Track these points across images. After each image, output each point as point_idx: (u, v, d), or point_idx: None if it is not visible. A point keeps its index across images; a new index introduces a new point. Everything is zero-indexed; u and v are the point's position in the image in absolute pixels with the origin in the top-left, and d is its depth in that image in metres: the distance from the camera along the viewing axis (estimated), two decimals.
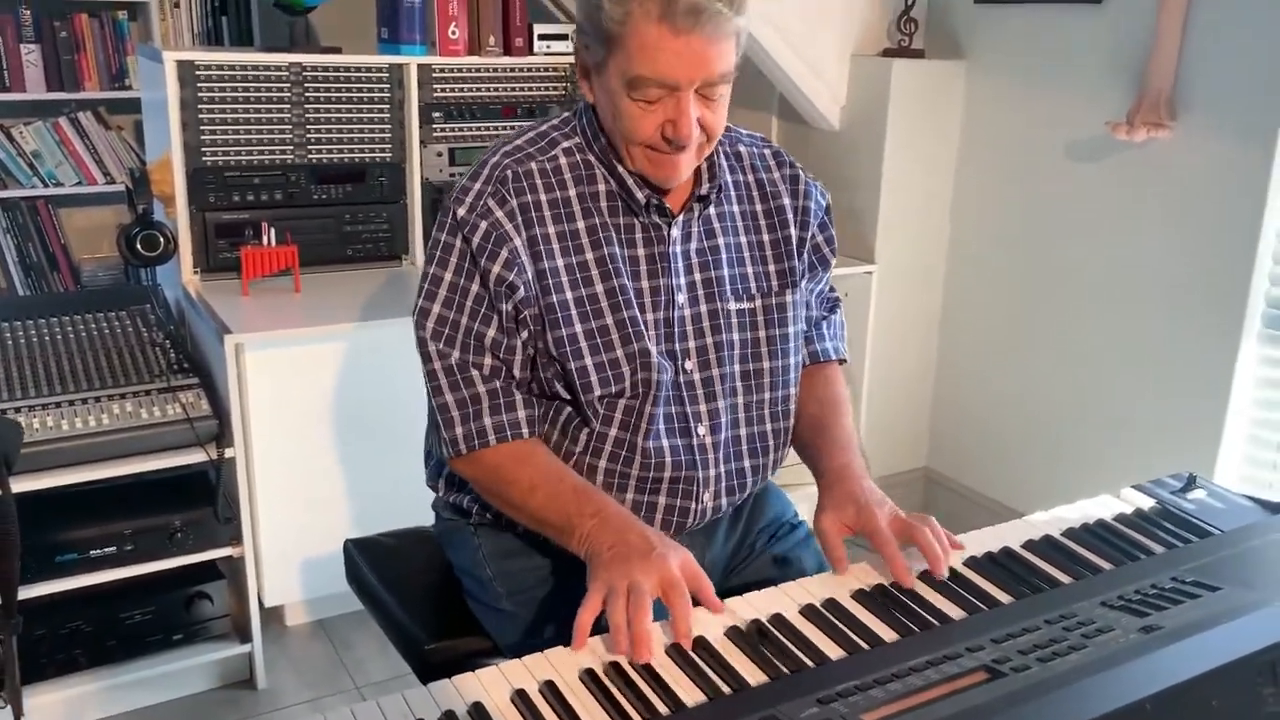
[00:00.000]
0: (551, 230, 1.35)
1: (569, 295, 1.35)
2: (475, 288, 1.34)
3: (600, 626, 1.10)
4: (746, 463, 1.46)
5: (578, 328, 1.34)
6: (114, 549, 2.16)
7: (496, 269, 1.32)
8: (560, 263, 1.35)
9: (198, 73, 2.46)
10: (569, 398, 1.37)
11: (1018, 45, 2.82)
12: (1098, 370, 2.74)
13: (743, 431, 1.46)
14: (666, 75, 1.24)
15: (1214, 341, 2.44)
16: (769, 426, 1.48)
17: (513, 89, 2.81)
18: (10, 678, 0.79)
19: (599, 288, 1.36)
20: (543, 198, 1.36)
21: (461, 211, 1.34)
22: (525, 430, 1.36)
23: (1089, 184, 2.69)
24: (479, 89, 2.77)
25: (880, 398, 3.12)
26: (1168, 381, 2.56)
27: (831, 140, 3.09)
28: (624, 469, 1.38)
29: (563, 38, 2.84)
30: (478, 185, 1.36)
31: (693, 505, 1.41)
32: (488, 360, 1.35)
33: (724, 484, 1.43)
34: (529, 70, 2.82)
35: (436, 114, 2.73)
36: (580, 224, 1.37)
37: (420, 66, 2.68)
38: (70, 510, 2.19)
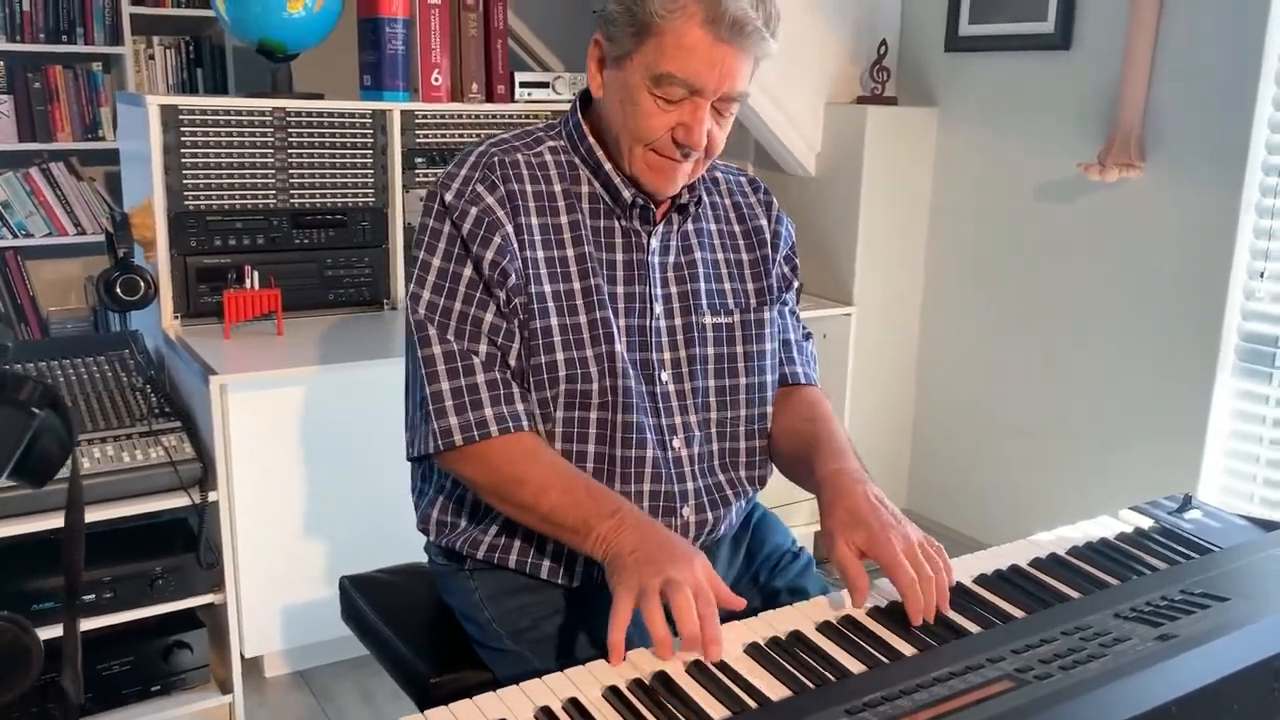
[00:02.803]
0: (535, 221, 1.36)
1: (547, 288, 1.35)
2: (468, 272, 1.33)
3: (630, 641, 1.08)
4: (721, 478, 1.45)
5: (553, 321, 1.34)
6: (93, 596, 2.11)
7: (490, 255, 1.32)
8: (541, 255, 1.36)
9: (181, 117, 2.46)
10: (536, 399, 1.35)
11: (988, 91, 2.90)
12: (1075, 409, 2.78)
13: (715, 447, 1.45)
14: (694, 78, 1.26)
15: (1189, 376, 2.49)
16: (742, 444, 1.48)
17: (495, 136, 2.83)
18: (71, 664, 0.77)
19: (576, 285, 1.37)
20: (528, 188, 1.37)
21: (449, 197, 1.34)
22: (525, 423, 1.32)
23: (1061, 225, 2.75)
24: (461, 135, 2.79)
25: (859, 439, 3.09)
26: (1146, 418, 2.60)
27: (807, 186, 3.14)
28: (606, 485, 1.37)
29: (543, 85, 2.88)
30: (464, 171, 1.36)
31: (674, 521, 1.40)
32: (484, 347, 1.32)
33: (704, 498, 1.42)
34: (510, 117, 2.85)
35: (419, 159, 2.75)
36: (563, 219, 1.38)
37: (403, 112, 2.70)
38: (49, 556, 2.14)
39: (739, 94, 1.31)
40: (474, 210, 1.33)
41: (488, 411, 1.30)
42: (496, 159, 1.37)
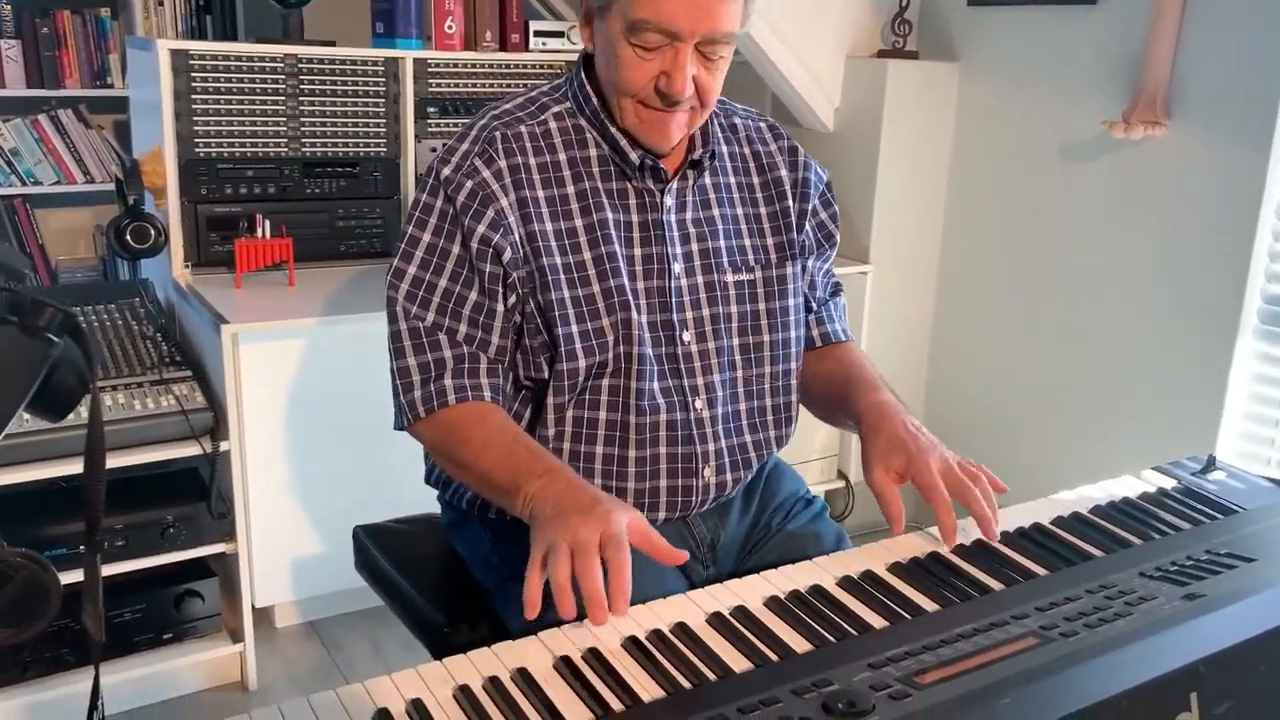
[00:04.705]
0: (540, 194, 1.34)
1: (558, 260, 1.33)
2: (456, 249, 1.32)
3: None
4: (748, 438, 1.44)
5: (565, 293, 1.32)
6: (105, 544, 2.11)
7: (481, 228, 1.30)
8: (549, 227, 1.34)
9: (191, 62, 2.42)
10: (553, 371, 1.33)
11: (1011, 47, 2.85)
12: (1094, 369, 2.75)
13: (742, 406, 1.44)
14: (668, 21, 1.22)
15: (1210, 338, 2.46)
16: (768, 401, 1.46)
17: (508, 85, 2.80)
18: (92, 600, 0.76)
19: (587, 255, 1.34)
20: (532, 161, 1.35)
21: (447, 171, 1.33)
22: (487, 395, 1.31)
23: (1084, 183, 2.71)
24: (474, 84, 2.75)
25: None
26: (1164, 380, 2.58)
27: (825, 141, 3.09)
28: (620, 452, 1.36)
29: (558, 34, 2.83)
30: (464, 145, 1.35)
31: (694, 483, 1.39)
32: (463, 327, 1.32)
33: (725, 459, 1.41)
34: (524, 66, 2.80)
35: (432, 109, 2.71)
36: (570, 189, 1.36)
37: (416, 61, 2.65)
38: (60, 504, 2.13)
39: (723, 35, 1.25)
40: (469, 184, 1.31)
41: (448, 382, 1.30)
42: (498, 133, 1.34)
